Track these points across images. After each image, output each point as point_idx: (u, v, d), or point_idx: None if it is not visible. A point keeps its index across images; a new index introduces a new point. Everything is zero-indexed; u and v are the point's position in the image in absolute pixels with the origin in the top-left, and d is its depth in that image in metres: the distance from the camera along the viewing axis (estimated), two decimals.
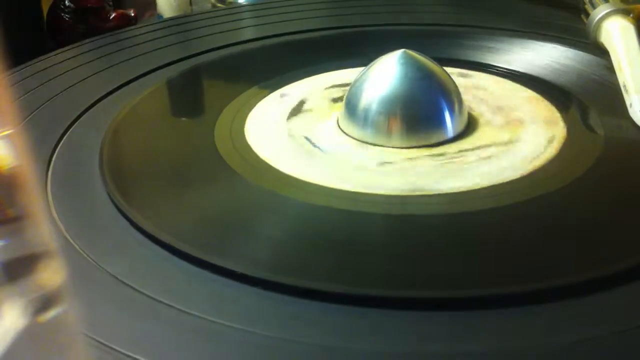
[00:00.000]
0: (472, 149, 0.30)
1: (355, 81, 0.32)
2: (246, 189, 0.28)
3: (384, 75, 0.31)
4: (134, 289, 0.22)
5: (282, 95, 0.36)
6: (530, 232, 0.25)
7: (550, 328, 0.20)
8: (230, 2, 0.60)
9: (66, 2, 0.52)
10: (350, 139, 0.31)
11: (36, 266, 0.12)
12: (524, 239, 0.24)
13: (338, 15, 0.49)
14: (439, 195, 0.27)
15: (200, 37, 0.45)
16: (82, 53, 0.42)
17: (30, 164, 0.12)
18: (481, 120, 0.32)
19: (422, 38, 0.42)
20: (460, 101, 0.32)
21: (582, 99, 0.34)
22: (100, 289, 0.22)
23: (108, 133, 0.31)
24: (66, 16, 0.53)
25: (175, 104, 0.38)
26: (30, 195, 0.12)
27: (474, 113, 0.33)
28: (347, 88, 0.33)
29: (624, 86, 0.33)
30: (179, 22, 0.49)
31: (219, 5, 0.60)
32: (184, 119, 0.37)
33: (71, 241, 0.24)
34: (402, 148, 0.30)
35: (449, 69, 0.33)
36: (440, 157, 0.29)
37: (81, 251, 0.24)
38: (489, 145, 0.30)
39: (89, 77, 0.38)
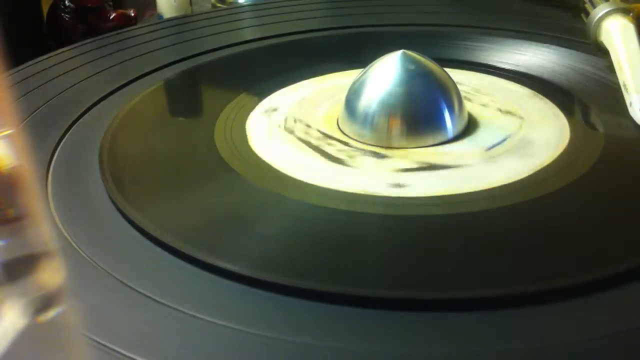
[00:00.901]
0: (472, 150, 0.30)
1: (355, 82, 0.32)
2: (246, 189, 0.28)
3: (384, 75, 0.31)
4: (133, 289, 0.22)
5: (281, 96, 0.36)
6: (530, 232, 0.25)
7: (550, 328, 0.20)
8: (230, 2, 0.60)
9: (66, 2, 0.52)
10: (350, 139, 0.31)
11: (36, 266, 0.12)
12: (524, 239, 0.24)
13: (338, 15, 0.49)
14: (439, 195, 0.27)
15: (200, 37, 0.45)
16: (82, 53, 0.42)
17: (30, 164, 0.12)
18: (481, 121, 0.32)
19: (422, 38, 0.42)
20: (460, 102, 0.32)
21: (583, 98, 0.34)
22: (100, 289, 0.22)
23: (108, 133, 0.31)
24: (66, 16, 0.53)
25: (175, 104, 0.38)
26: (30, 195, 0.12)
27: (474, 113, 0.33)
28: (348, 88, 0.33)
29: (624, 85, 0.33)
30: (179, 22, 0.49)
31: (219, 5, 0.60)
32: (183, 119, 0.37)
33: (71, 241, 0.24)
34: (402, 148, 0.30)
35: (449, 69, 0.33)
36: (440, 158, 0.29)
37: (81, 251, 0.24)
38: (488, 146, 0.30)
39: (89, 77, 0.38)
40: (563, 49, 0.39)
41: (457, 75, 0.34)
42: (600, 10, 0.37)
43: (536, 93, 0.35)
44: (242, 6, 0.56)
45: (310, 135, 0.32)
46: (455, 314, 0.20)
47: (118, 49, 0.43)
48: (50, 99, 0.36)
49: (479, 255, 0.23)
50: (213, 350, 0.19)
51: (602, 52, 0.37)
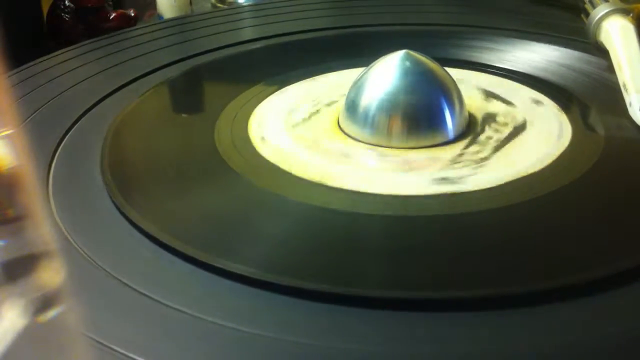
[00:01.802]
0: (473, 150, 0.30)
1: (357, 81, 0.32)
2: (246, 188, 0.28)
3: (385, 75, 0.31)
4: (133, 289, 0.22)
5: (282, 96, 0.36)
6: (530, 232, 0.25)
7: (550, 328, 0.20)
8: (230, 2, 0.60)
9: (66, 2, 0.52)
10: (351, 139, 0.31)
11: (36, 266, 0.12)
12: (524, 239, 0.24)
13: (339, 15, 0.49)
14: (439, 195, 0.27)
15: (200, 37, 0.45)
16: (82, 53, 0.42)
17: (30, 164, 0.12)
18: (482, 121, 0.32)
19: (423, 38, 0.42)
20: (462, 102, 0.32)
21: (582, 98, 0.34)
22: (100, 289, 0.22)
23: (109, 133, 0.31)
24: (66, 16, 0.53)
25: (176, 104, 0.38)
26: (31, 196, 0.12)
27: (475, 114, 0.33)
28: (348, 87, 0.33)
29: (624, 85, 0.33)
30: (179, 23, 0.49)
31: (219, 5, 0.60)
32: (184, 119, 0.37)
33: (71, 241, 0.24)
34: (403, 148, 0.30)
35: (450, 69, 0.33)
36: (441, 158, 0.29)
37: (81, 251, 0.24)
38: (489, 146, 0.30)
39: (89, 77, 0.38)
40: (563, 49, 0.39)
41: (457, 75, 0.34)
42: (600, 11, 0.37)
43: (536, 93, 0.35)
44: (242, 6, 0.56)
45: (311, 134, 0.32)
46: (455, 313, 0.20)
47: (118, 49, 0.43)
48: (51, 99, 0.36)
49: (478, 255, 0.23)
50: (213, 350, 0.19)
51: (601, 52, 0.37)
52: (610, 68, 0.35)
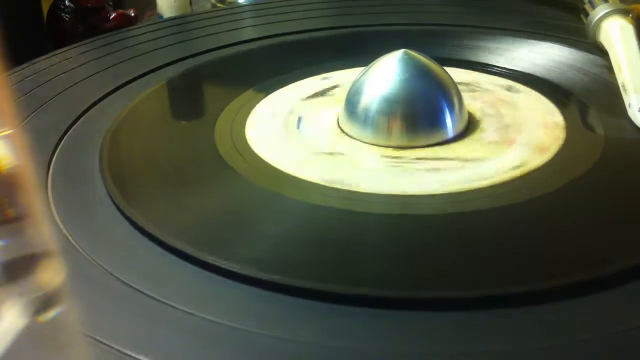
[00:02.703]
0: (472, 149, 0.30)
1: (356, 81, 0.32)
2: (246, 188, 0.28)
3: (385, 75, 0.31)
4: (134, 288, 0.22)
5: (281, 96, 0.36)
6: (530, 232, 0.25)
7: (550, 328, 0.20)
8: (230, 2, 0.60)
9: (66, 2, 0.52)
10: (350, 138, 0.31)
11: (36, 266, 0.12)
12: (524, 239, 0.24)
13: (338, 15, 0.49)
14: (439, 195, 0.27)
15: (200, 37, 0.45)
16: (82, 53, 0.42)
17: (30, 164, 0.12)
18: (481, 120, 0.32)
19: (423, 38, 0.42)
20: (461, 101, 0.32)
21: (582, 98, 0.34)
22: (100, 289, 0.22)
23: (108, 133, 0.31)
24: (66, 16, 0.53)
25: (176, 104, 0.38)
26: (30, 195, 0.12)
27: (475, 113, 0.33)
28: (348, 87, 0.33)
29: (623, 86, 0.33)
30: (179, 22, 0.49)
31: (219, 5, 0.60)
32: (184, 119, 0.37)
33: (71, 241, 0.24)
34: (402, 148, 0.30)
35: (449, 69, 0.33)
36: (440, 157, 0.29)
37: (81, 251, 0.24)
38: (489, 146, 0.30)
39: (89, 77, 0.38)
40: (563, 49, 0.39)
41: (457, 75, 0.34)
42: (599, 11, 0.37)
43: (536, 93, 0.35)
44: (242, 6, 0.56)
45: (310, 134, 0.32)
46: (455, 313, 0.20)
47: (118, 49, 0.43)
48: (50, 99, 0.36)
49: (478, 255, 0.23)
50: (213, 350, 0.19)
51: (601, 52, 0.37)
52: (610, 68, 0.35)
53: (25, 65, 0.39)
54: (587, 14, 0.38)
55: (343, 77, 0.37)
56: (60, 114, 0.34)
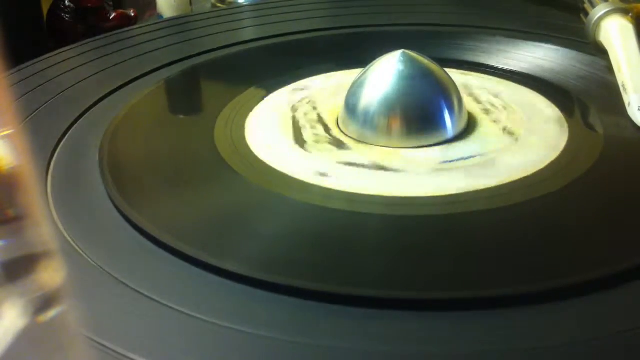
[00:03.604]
0: (472, 150, 0.30)
1: (355, 82, 0.32)
2: (246, 188, 0.28)
3: (384, 75, 0.31)
4: (133, 289, 0.22)
5: (281, 96, 0.36)
6: (530, 232, 0.25)
7: (550, 328, 0.20)
8: (230, 2, 0.60)
9: (66, 2, 0.52)
10: (350, 139, 0.31)
11: (36, 266, 0.12)
12: (524, 239, 0.24)
13: (338, 15, 0.49)
14: (439, 195, 0.27)
15: (200, 37, 0.45)
16: (82, 53, 0.42)
17: (30, 164, 0.12)
18: (481, 121, 0.32)
19: (422, 38, 0.42)
20: (461, 101, 0.32)
21: (582, 98, 0.34)
22: (100, 289, 0.22)
23: (108, 133, 0.31)
24: (66, 16, 0.53)
25: (175, 104, 0.38)
26: (30, 195, 0.12)
27: (474, 113, 0.33)
28: (347, 89, 0.33)
29: (623, 86, 0.33)
30: (179, 22, 0.49)
31: (219, 5, 0.60)
32: (183, 119, 0.37)
33: (71, 241, 0.24)
34: (402, 148, 0.30)
35: (449, 70, 0.33)
36: (440, 158, 0.29)
37: (81, 251, 0.24)
38: (488, 146, 0.30)
39: (89, 77, 0.38)
40: (563, 49, 0.39)
41: (457, 75, 0.34)
42: (599, 11, 0.37)
43: (535, 93, 0.35)
44: (242, 6, 0.56)
45: (310, 135, 0.32)
46: (455, 313, 0.20)
47: (118, 49, 0.43)
48: (50, 99, 0.36)
49: (478, 255, 0.23)
50: (213, 350, 0.19)
51: (601, 52, 0.37)
52: (610, 68, 0.35)
53: (25, 65, 0.39)
54: (586, 14, 0.38)
55: (343, 78, 0.37)
56: (61, 114, 0.34)
